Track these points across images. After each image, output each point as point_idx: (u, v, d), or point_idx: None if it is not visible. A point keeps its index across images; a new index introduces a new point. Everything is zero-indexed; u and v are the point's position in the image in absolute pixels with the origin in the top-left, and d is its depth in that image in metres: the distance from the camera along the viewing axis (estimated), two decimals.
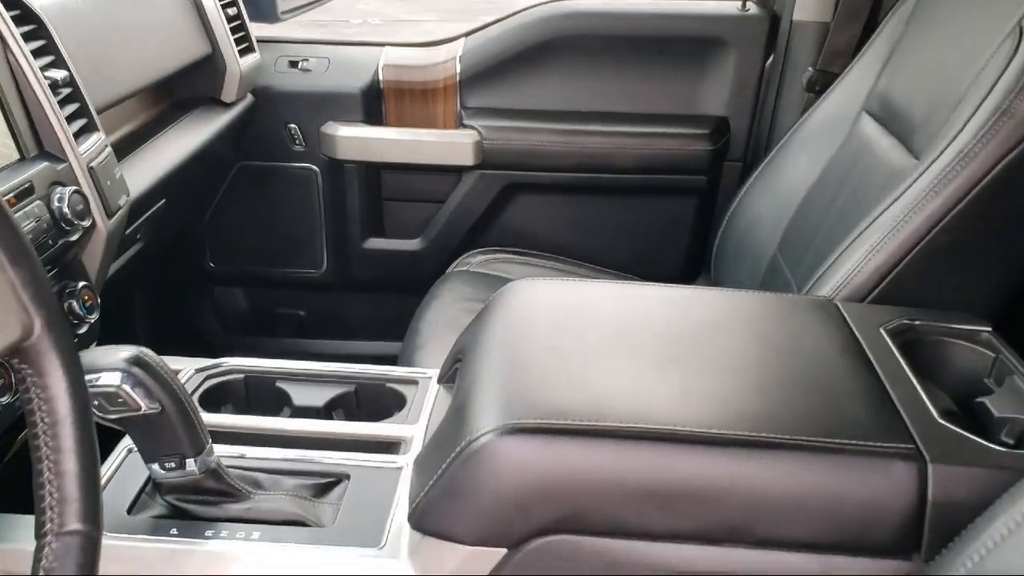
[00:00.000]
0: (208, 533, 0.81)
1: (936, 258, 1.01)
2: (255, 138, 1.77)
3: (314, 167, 1.81)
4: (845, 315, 0.96)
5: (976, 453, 0.75)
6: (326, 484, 0.89)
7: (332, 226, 1.85)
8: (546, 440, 0.74)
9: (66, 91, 1.05)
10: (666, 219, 1.82)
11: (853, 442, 0.75)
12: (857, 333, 0.92)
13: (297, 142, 1.79)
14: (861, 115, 1.33)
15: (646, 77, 1.76)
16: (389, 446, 0.95)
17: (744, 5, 1.74)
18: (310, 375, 1.07)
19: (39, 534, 0.55)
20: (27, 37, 1.01)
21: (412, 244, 1.86)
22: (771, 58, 1.72)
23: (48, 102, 0.99)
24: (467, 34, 1.80)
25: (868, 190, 1.18)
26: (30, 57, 0.99)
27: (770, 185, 1.50)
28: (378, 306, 1.92)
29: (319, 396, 1.04)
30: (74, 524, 0.56)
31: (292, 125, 1.78)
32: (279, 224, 1.86)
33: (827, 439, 0.75)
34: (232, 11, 1.59)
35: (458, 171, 1.79)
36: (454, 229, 1.83)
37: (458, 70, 1.77)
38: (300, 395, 1.04)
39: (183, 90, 1.55)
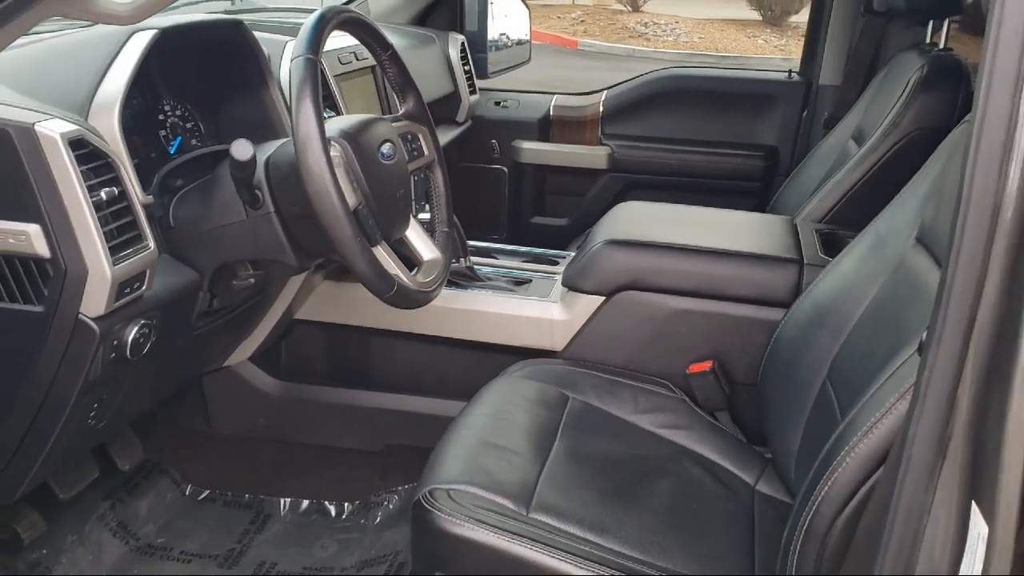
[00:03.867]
0: (468, 288, 1.74)
1: (860, 199, 1.84)
2: (470, 149, 2.74)
3: (504, 168, 2.76)
4: (796, 224, 1.81)
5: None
6: (518, 282, 1.81)
7: (512, 208, 2.79)
8: (627, 247, 1.64)
9: None
10: None
11: (768, 254, 1.60)
12: (799, 231, 1.77)
13: (495, 152, 2.76)
14: (848, 139, 2.17)
15: (724, 118, 2.63)
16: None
17: (790, 75, 2.61)
18: (505, 251, 2.00)
19: (432, 228, 1.49)
20: None
21: (562, 221, 2.77)
22: (806, 109, 2.57)
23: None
24: (608, 88, 2.74)
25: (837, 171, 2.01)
26: None
27: (794, 188, 2.32)
28: None
29: (511, 262, 1.97)
30: (443, 228, 1.49)
31: (493, 141, 2.75)
32: (479, 205, 2.82)
33: (756, 251, 1.60)
34: (466, 67, 2.59)
35: (595, 173, 2.69)
36: (590, 213, 2.71)
37: (601, 110, 2.70)
38: (500, 261, 1.98)
39: (434, 112, 2.53)
